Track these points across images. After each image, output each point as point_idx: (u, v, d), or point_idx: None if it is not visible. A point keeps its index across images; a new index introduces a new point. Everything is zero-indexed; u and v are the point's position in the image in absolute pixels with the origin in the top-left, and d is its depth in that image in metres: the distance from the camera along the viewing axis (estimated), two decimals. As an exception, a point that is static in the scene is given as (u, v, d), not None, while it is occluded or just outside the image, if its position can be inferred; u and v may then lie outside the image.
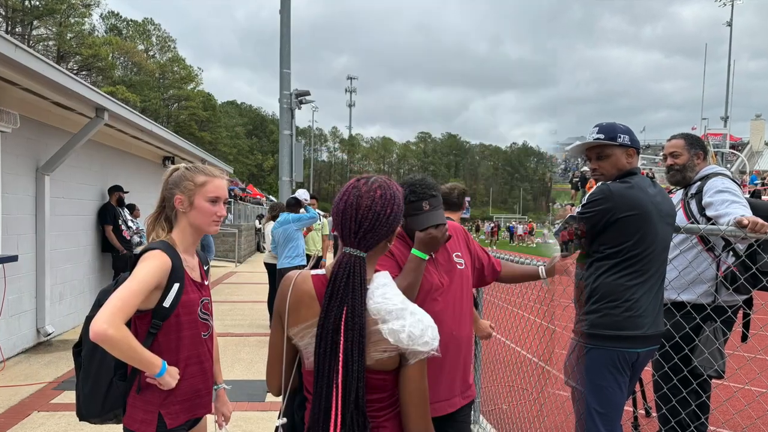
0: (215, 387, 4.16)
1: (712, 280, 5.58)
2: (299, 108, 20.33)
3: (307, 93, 20.31)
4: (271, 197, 73.05)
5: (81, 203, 14.24)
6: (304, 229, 13.85)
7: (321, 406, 2.57)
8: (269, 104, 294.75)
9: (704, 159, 6.03)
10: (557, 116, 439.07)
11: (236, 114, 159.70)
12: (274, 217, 14.56)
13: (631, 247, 4.42)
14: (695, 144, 6.05)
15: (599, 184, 4.78)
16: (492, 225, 79.47)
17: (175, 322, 3.63)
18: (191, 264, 3.85)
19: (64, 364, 10.78)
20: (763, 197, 34.20)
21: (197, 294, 3.80)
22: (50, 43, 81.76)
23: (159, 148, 18.83)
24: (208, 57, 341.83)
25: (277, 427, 2.99)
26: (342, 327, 2.54)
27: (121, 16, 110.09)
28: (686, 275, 5.61)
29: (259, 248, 41.74)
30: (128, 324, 3.29)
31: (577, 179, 53.64)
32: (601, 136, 4.70)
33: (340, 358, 2.52)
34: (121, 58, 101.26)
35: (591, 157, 4.85)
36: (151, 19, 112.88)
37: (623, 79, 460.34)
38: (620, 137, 4.67)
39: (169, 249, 3.64)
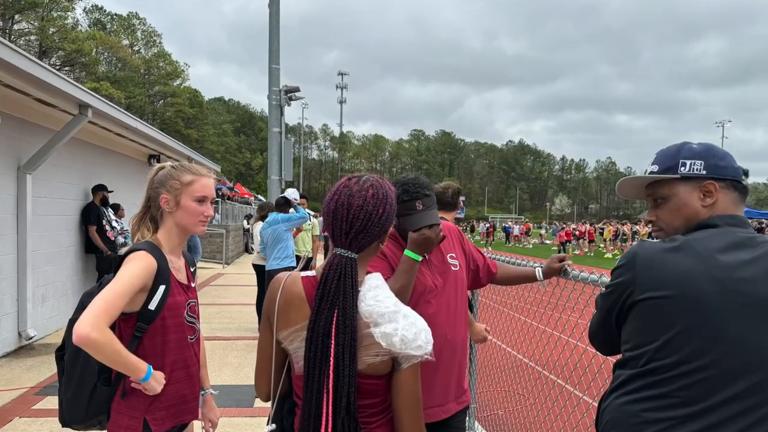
0: (202, 392, 4.15)
1: None
2: (289, 105, 20.30)
3: (297, 89, 20.29)
4: (259, 197, 73.00)
5: (64, 203, 14.20)
6: (294, 229, 13.83)
7: (311, 412, 2.57)
8: (258, 101, 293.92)
9: None
10: (556, 113, 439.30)
11: (224, 111, 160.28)
12: (262, 217, 14.52)
13: (656, 352, 2.69)
14: None
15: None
16: (487, 225, 79.28)
17: (161, 326, 3.62)
18: (177, 265, 3.85)
19: (46, 369, 10.74)
20: None
21: (183, 296, 3.79)
22: (32, 37, 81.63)
23: (144, 146, 18.79)
24: (194, 52, 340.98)
25: (265, 434, 2.98)
26: (333, 330, 2.54)
27: (105, 10, 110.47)
28: None
29: (248, 249, 41.67)
30: (112, 327, 3.29)
31: None
32: (655, 167, 3.06)
33: (331, 363, 2.52)
34: (105, 54, 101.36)
35: (649, 203, 3.19)
36: (136, 13, 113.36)
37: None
38: (686, 165, 2.95)
39: (155, 250, 3.64)
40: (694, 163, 2.93)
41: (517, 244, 70.89)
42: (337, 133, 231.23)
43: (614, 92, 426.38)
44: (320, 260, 17.61)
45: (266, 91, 19.97)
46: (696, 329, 2.59)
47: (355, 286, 2.62)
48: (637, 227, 53.32)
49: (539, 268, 4.96)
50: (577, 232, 57.72)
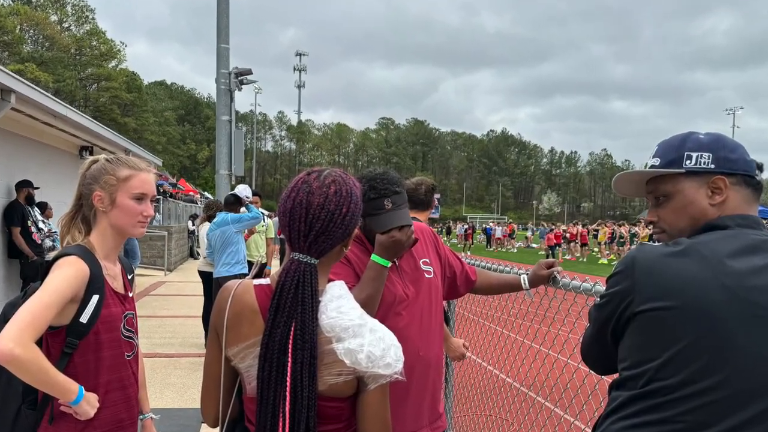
0: (141, 416, 4.13)
1: None
2: (239, 89, 20.25)
3: (249, 72, 20.24)
4: (206, 194, 72.88)
5: (-18, 201, 14.08)
6: (246, 231, 13.82)
7: (265, 439, 2.56)
8: (204, 85, 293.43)
9: None
10: (543, 99, 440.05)
11: (165, 96, 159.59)
12: (210, 218, 14.45)
13: (658, 371, 2.61)
14: None
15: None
16: (466, 227, 79.31)
17: (94, 341, 3.59)
18: (113, 272, 3.82)
19: (-39, 391, 10.60)
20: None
21: (120, 307, 3.77)
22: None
23: (75, 136, 18.68)
24: (132, 30, 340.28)
25: (213, 463, 2.98)
26: (290, 346, 2.53)
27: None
28: None
29: (193, 254, 41.66)
30: (39, 343, 3.26)
31: None
32: (656, 161, 3.01)
33: (288, 383, 2.51)
34: (31, 31, 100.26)
35: (650, 201, 3.14)
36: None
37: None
38: (691, 158, 2.88)
39: (87, 255, 3.61)
40: (701, 155, 2.86)
41: (499, 248, 70.99)
42: (294, 122, 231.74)
43: (610, 75, 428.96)
44: (275, 266, 17.57)
45: (214, 73, 19.94)
46: (703, 345, 2.51)
47: (315, 296, 2.61)
48: (636, 229, 53.22)
49: (525, 276, 4.94)
50: (567, 235, 57.69)
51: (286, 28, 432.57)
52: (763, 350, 2.48)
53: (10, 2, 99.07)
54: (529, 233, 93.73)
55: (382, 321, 2.75)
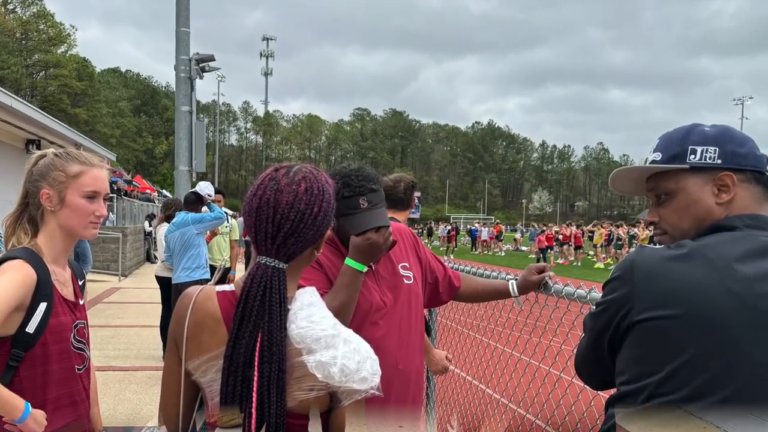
0: (93, 436, 4.12)
1: None
2: (201, 77, 20.18)
3: (212, 58, 20.17)
4: (164, 192, 72.72)
5: None
6: (207, 233, 13.79)
7: (229, 461, 2.55)
8: (162, 72, 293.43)
9: None
10: (534, 88, 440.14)
11: (120, 85, 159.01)
12: (168, 218, 14.36)
13: (659, 386, 2.54)
14: None
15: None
16: (449, 228, 79.17)
17: (42, 353, 3.57)
18: (62, 278, 3.81)
19: None
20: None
21: (70, 316, 3.76)
22: None
23: (21, 128, 18.62)
24: (83, 12, 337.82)
25: (172, 487, 2.96)
26: (256, 359, 2.51)
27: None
28: None
29: (150, 257, 41.56)
30: (-20, 355, 3.25)
31: None
32: (658, 156, 2.97)
33: (254, 399, 2.50)
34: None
35: (651, 200, 3.10)
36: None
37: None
38: (696, 152, 2.85)
39: (34, 258, 3.59)
40: (707, 149, 2.81)
41: (485, 251, 70.95)
42: (261, 113, 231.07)
43: (607, 62, 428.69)
44: (240, 271, 17.56)
45: (173, 60, 19.86)
46: (709, 357, 2.45)
47: (284, 304, 2.60)
48: (635, 230, 53.16)
49: (513, 281, 4.92)
50: (560, 237, 57.63)
51: (252, 10, 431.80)
52: None
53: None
54: (518, 235, 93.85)
55: (357, 331, 2.74)
